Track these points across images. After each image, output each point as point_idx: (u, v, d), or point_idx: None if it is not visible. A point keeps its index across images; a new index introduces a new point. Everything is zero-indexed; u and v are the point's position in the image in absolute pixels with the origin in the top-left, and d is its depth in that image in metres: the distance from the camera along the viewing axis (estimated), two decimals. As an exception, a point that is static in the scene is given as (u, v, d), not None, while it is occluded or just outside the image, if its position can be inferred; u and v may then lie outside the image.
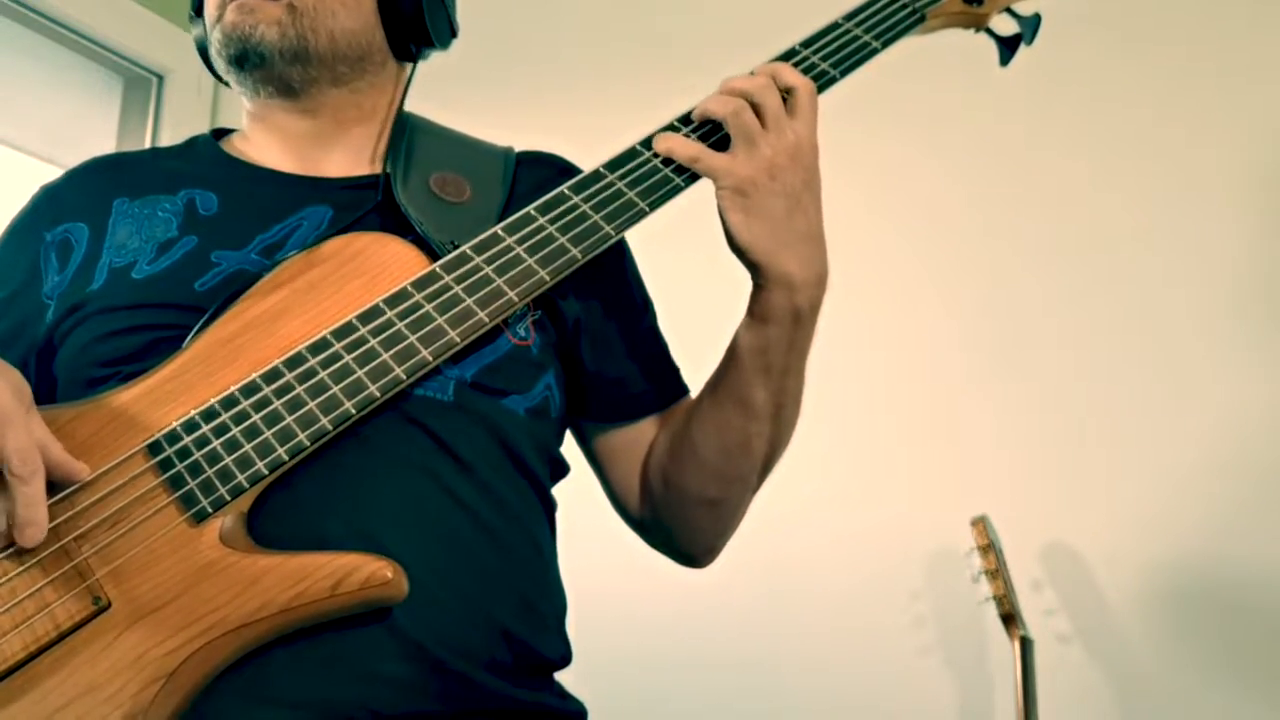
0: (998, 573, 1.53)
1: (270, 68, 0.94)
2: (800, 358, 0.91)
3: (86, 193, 0.97)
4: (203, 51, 1.02)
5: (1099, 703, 1.55)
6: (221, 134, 1.05)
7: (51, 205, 0.97)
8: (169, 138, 2.25)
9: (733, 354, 0.92)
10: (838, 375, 1.74)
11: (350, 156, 0.99)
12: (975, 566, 1.55)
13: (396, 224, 0.89)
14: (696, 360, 1.02)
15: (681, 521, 0.99)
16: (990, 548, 1.55)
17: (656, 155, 0.89)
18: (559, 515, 0.96)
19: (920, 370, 1.77)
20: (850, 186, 1.78)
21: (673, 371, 1.04)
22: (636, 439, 1.00)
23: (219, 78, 1.02)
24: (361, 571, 0.71)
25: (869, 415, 1.78)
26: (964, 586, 1.59)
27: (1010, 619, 1.50)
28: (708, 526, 0.99)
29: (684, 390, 1.03)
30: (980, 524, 1.57)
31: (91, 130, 2.25)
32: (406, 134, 1.00)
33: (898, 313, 1.80)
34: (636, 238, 1.04)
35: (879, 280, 1.81)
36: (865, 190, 1.84)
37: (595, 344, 0.98)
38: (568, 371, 0.97)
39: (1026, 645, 1.47)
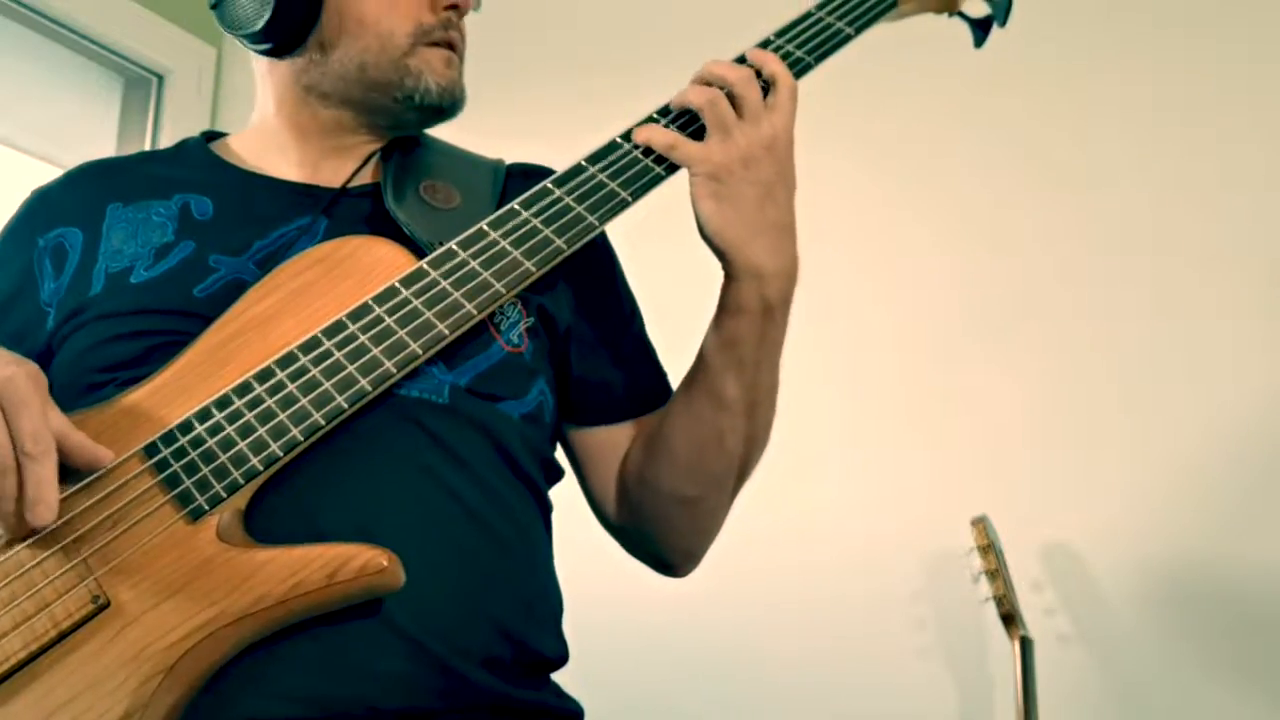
0: (998, 573, 1.53)
1: None
2: (773, 351, 0.92)
3: (79, 197, 0.97)
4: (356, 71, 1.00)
5: (1099, 703, 1.55)
6: (212, 137, 1.05)
7: (44, 209, 0.98)
8: (169, 138, 2.26)
9: (704, 348, 0.92)
10: (837, 376, 1.75)
11: (344, 165, 1.00)
12: (975, 566, 1.55)
13: (388, 230, 0.90)
14: (679, 360, 1.02)
15: (658, 523, 0.99)
16: (990, 548, 1.55)
17: (637, 147, 0.90)
18: (555, 518, 0.96)
19: (920, 370, 1.77)
20: (842, 187, 1.79)
21: (658, 377, 1.05)
22: (610, 441, 1.01)
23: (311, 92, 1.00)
24: (357, 560, 0.71)
25: (868, 416, 1.78)
26: (964, 586, 1.59)
27: (1010, 619, 1.50)
28: (684, 528, 0.99)
29: (668, 396, 1.03)
30: (980, 524, 1.57)
31: (91, 130, 2.25)
32: (399, 144, 1.02)
33: (897, 313, 1.80)
34: (619, 237, 1.05)
35: (878, 281, 1.82)
36: (861, 190, 1.84)
37: (583, 349, 0.99)
38: (558, 377, 0.98)
39: (1026, 645, 1.47)
